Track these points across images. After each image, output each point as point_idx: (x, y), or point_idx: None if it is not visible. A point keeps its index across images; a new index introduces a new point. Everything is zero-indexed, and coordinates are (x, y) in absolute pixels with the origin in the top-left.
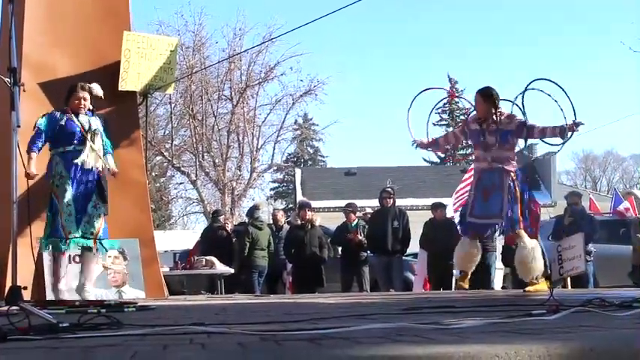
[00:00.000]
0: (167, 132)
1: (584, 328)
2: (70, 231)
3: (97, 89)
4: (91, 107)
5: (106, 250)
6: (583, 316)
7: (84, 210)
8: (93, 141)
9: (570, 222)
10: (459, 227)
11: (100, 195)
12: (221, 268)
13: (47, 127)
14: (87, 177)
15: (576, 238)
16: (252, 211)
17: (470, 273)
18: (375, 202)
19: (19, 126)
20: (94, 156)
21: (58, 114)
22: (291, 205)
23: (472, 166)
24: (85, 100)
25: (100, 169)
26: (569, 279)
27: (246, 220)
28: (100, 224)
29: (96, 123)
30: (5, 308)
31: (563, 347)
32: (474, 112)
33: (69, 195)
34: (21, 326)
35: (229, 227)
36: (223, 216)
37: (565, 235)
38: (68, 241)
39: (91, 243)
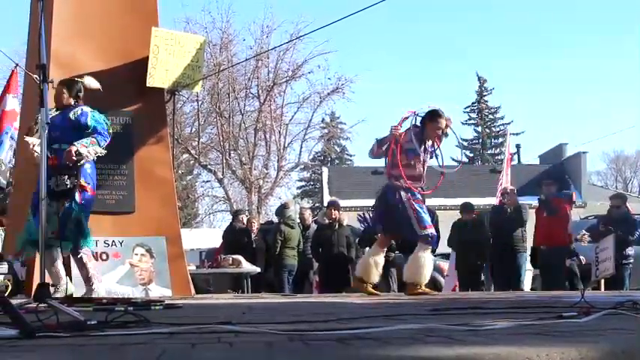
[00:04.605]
0: (194, 129)
1: (615, 330)
2: None
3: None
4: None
5: None
6: (615, 319)
7: None
8: None
9: (606, 224)
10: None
11: None
12: (247, 267)
13: None
14: None
15: (608, 240)
16: (282, 210)
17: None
18: None
19: (48, 123)
20: None
21: None
22: (317, 204)
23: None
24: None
25: None
26: (602, 281)
27: (275, 219)
28: None
29: None
30: (34, 305)
31: (595, 350)
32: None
33: None
34: (49, 323)
35: (255, 226)
36: (244, 215)
37: (601, 238)
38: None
39: None
